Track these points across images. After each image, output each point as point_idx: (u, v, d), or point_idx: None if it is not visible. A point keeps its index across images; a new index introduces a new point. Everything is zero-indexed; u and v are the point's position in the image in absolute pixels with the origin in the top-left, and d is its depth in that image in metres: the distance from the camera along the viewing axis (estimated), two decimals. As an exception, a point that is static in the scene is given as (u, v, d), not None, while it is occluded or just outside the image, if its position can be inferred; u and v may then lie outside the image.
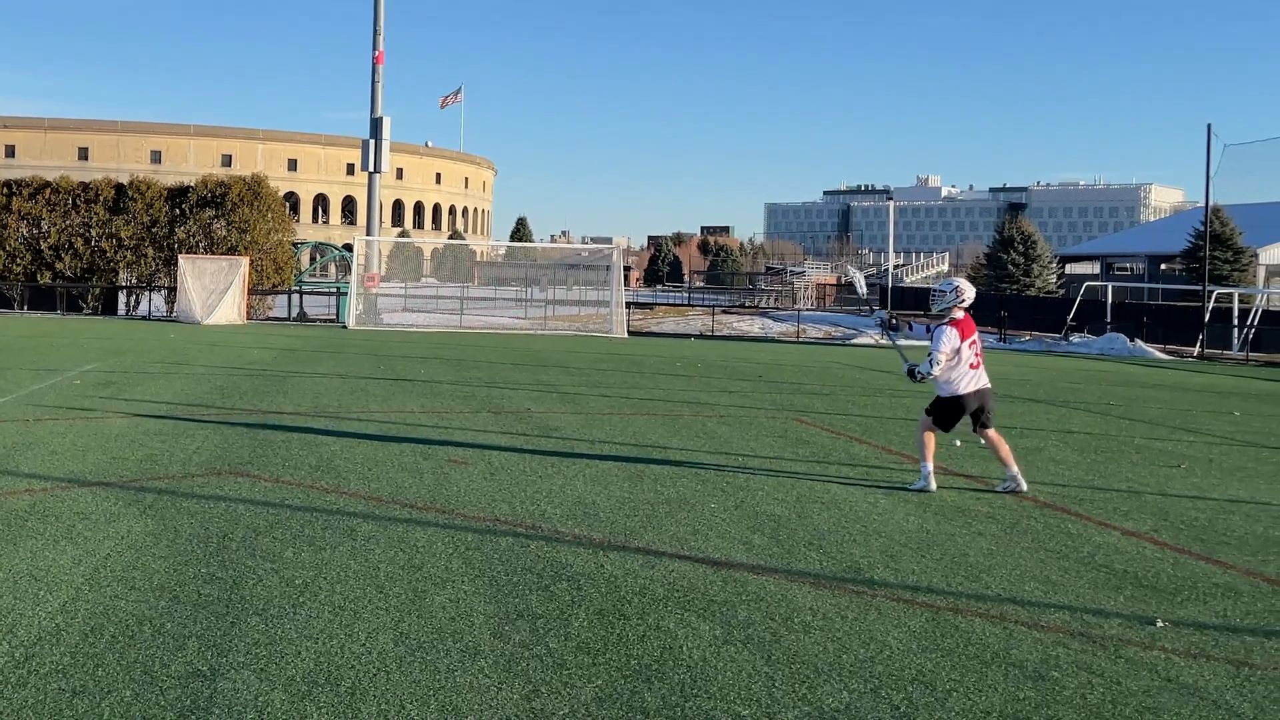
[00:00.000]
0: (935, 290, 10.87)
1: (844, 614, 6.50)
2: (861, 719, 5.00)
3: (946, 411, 10.50)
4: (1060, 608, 6.80)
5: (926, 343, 10.67)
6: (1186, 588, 7.37)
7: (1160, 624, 6.53)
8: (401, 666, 5.43)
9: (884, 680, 5.47)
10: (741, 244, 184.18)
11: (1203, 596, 7.18)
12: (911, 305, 68.58)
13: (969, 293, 10.54)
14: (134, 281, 42.16)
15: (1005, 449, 10.55)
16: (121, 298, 42.50)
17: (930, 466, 10.45)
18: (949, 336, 10.25)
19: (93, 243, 41.25)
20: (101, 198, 41.25)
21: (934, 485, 10.40)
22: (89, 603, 6.23)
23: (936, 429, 10.59)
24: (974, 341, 10.41)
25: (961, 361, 10.31)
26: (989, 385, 10.59)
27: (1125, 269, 78.34)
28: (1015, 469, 10.50)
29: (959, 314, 10.43)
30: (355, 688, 5.14)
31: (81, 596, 6.34)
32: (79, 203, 41.34)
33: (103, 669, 5.27)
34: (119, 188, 41.84)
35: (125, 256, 41.28)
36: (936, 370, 10.27)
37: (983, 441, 10.77)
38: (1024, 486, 10.41)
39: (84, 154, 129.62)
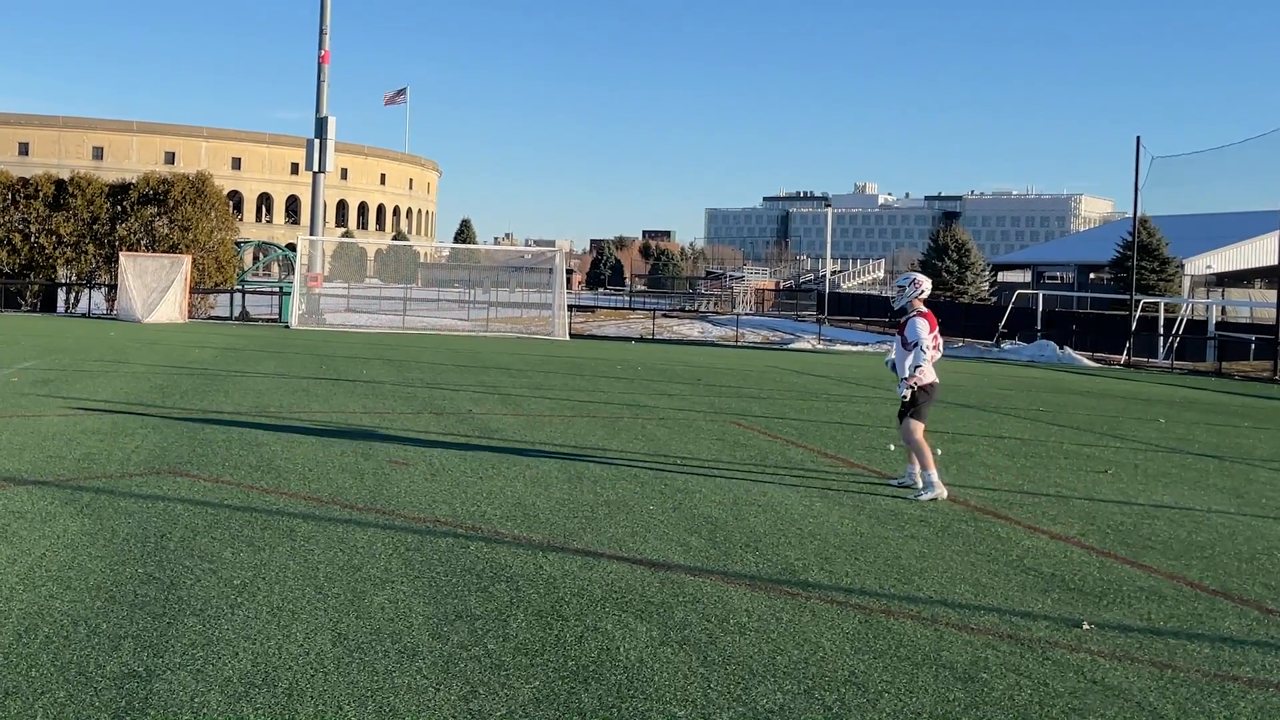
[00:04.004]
0: (895, 286, 11.26)
1: (779, 616, 6.59)
2: None
3: (928, 397, 10.74)
4: (989, 610, 6.93)
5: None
6: (1112, 591, 7.54)
7: (1086, 626, 6.67)
8: (339, 667, 5.44)
9: (817, 681, 5.56)
10: (683, 248, 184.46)
11: (1128, 599, 7.34)
12: (848, 310, 69.10)
13: (926, 285, 10.99)
14: (74, 279, 41.58)
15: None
16: (61, 295, 41.91)
17: (935, 473, 10.53)
18: (924, 325, 10.61)
19: (32, 239, 40.64)
20: (41, 193, 40.66)
21: (944, 492, 10.50)
22: (23, 603, 6.18)
23: (922, 424, 10.70)
24: (935, 334, 10.74)
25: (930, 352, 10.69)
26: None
27: (1055, 277, 79.56)
28: (917, 468, 10.70)
29: (921, 306, 10.83)
30: (293, 688, 5.15)
31: (16, 596, 6.29)
32: (18, 198, 40.69)
33: (36, 669, 5.24)
34: (59, 184, 41.26)
35: (65, 253, 40.71)
36: (931, 354, 10.57)
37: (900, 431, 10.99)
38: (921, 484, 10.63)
39: (24, 149, 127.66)
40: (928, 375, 10.68)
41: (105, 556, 7.20)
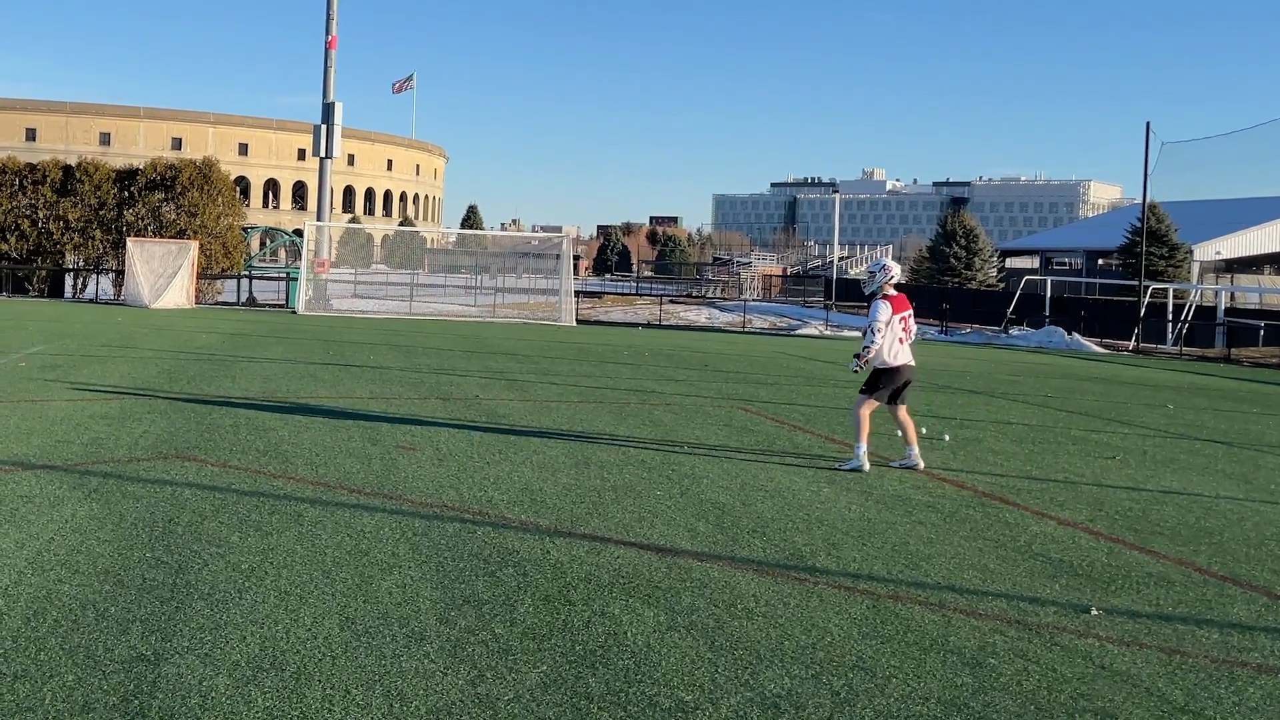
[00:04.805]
0: (866, 272, 11.75)
1: (786, 601, 6.58)
2: (802, 704, 5.08)
3: (882, 381, 11.10)
4: (997, 595, 6.92)
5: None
6: (1120, 577, 7.52)
7: (1095, 612, 6.66)
8: (347, 651, 5.44)
9: (825, 666, 5.56)
10: (690, 234, 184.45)
11: (1136, 585, 7.33)
12: (856, 296, 69.00)
13: (896, 271, 11.41)
14: (81, 264, 41.61)
15: (913, 429, 11.25)
16: (68, 280, 41.94)
17: (864, 447, 11.01)
18: (883, 308, 11.01)
19: (39, 224, 40.66)
20: (49, 179, 40.65)
21: (867, 465, 10.95)
22: (31, 586, 6.19)
23: (873, 403, 11.10)
24: (905, 318, 11.08)
25: (892, 335, 11.01)
26: (915, 365, 11.36)
27: (1064, 264, 79.38)
28: (916, 449, 11.19)
29: (890, 291, 11.19)
30: (300, 672, 5.15)
31: (24, 580, 6.30)
32: (26, 184, 40.69)
33: (45, 653, 5.24)
34: (67, 169, 41.26)
35: (72, 239, 40.74)
36: (878, 339, 10.88)
37: (897, 417, 11.34)
38: (921, 464, 11.10)
39: (31, 135, 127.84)
40: (894, 357, 11.00)
41: (113, 541, 7.21)
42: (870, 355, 10.96)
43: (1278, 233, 66.98)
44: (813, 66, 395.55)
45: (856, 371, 11.22)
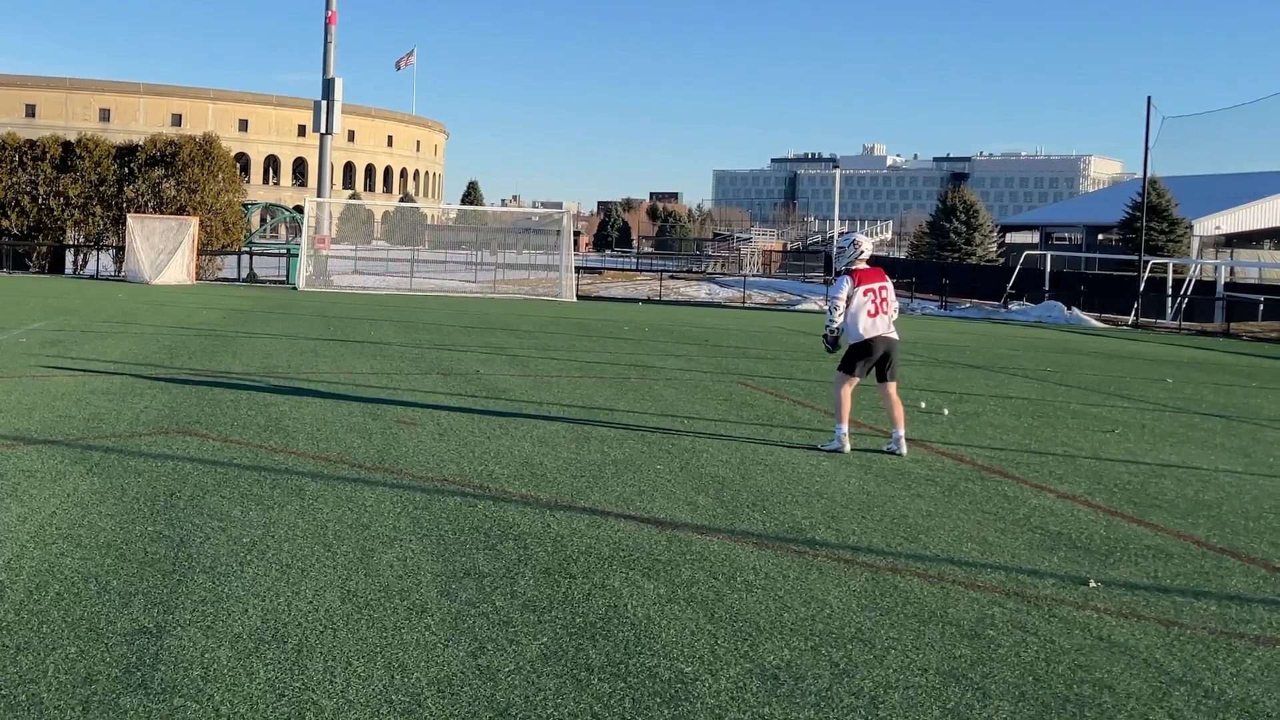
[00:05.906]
0: (836, 248, 11.59)
1: (785, 573, 6.60)
2: (802, 676, 5.10)
3: (855, 356, 10.75)
4: (996, 568, 6.94)
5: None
6: (1119, 549, 7.54)
7: (1093, 584, 6.67)
8: (349, 624, 5.46)
9: (824, 638, 5.58)
10: (690, 210, 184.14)
11: (1134, 558, 7.35)
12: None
13: (867, 246, 11.05)
14: (81, 240, 41.56)
15: (900, 411, 10.76)
16: (69, 256, 41.90)
17: (845, 428, 10.74)
18: (844, 284, 10.73)
19: (40, 201, 40.58)
20: (49, 155, 40.55)
21: (848, 446, 10.65)
22: (34, 560, 6.21)
23: (851, 380, 10.78)
24: (872, 290, 10.68)
25: (859, 308, 10.61)
26: (895, 338, 10.85)
27: (1064, 238, 79.21)
28: (902, 432, 10.70)
29: (861, 265, 10.85)
30: (302, 645, 5.18)
31: (26, 554, 6.32)
32: (26, 160, 40.57)
33: (47, 626, 5.26)
34: (67, 145, 41.15)
35: (73, 215, 40.67)
36: (837, 316, 10.66)
37: (886, 395, 10.89)
38: (904, 451, 10.57)
39: (31, 111, 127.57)
40: (865, 331, 10.60)
41: (115, 515, 7.23)
42: (829, 334, 10.76)
43: (1278, 208, 66.80)
44: (813, 41, 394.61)
45: (830, 351, 11.00)
